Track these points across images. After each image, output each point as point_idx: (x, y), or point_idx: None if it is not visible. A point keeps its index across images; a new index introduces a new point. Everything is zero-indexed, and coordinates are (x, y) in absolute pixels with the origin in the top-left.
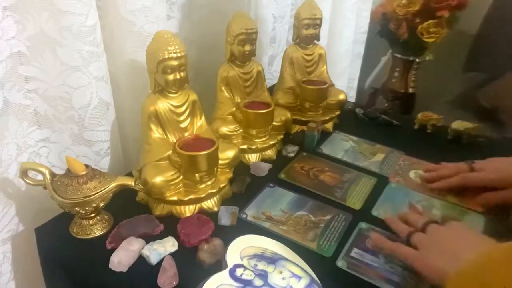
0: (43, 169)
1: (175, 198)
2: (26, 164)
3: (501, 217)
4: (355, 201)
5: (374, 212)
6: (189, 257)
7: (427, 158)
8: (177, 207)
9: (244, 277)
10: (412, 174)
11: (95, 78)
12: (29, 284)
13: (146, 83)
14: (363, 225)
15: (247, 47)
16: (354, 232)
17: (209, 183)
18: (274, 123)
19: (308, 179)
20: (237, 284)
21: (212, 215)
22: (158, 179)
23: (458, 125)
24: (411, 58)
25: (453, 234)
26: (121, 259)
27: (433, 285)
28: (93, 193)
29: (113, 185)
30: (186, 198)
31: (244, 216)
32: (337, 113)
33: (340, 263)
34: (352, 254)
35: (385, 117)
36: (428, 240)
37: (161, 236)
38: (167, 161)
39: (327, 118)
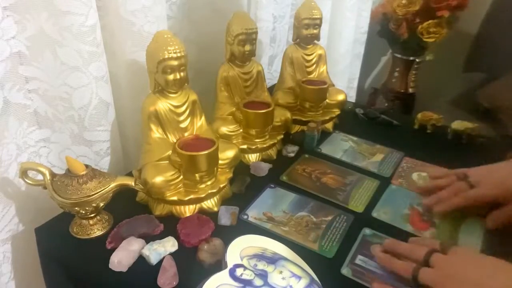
0: (43, 169)
1: (175, 198)
2: (26, 164)
3: None
4: (358, 204)
5: (375, 213)
6: (189, 257)
7: (427, 158)
8: (177, 207)
9: (244, 277)
10: (415, 176)
11: (95, 78)
12: (29, 284)
13: (146, 83)
14: (367, 231)
15: (247, 47)
16: (358, 238)
17: (209, 183)
18: (274, 123)
19: (310, 182)
20: (237, 284)
21: (212, 215)
22: (158, 179)
23: (458, 125)
24: (411, 58)
25: (465, 262)
26: (121, 259)
27: None
28: (93, 193)
29: (113, 185)
30: (186, 198)
31: (245, 217)
32: (337, 113)
33: (345, 270)
34: (357, 261)
35: (385, 117)
36: (440, 275)
37: (161, 236)
38: (167, 161)
39: (327, 118)
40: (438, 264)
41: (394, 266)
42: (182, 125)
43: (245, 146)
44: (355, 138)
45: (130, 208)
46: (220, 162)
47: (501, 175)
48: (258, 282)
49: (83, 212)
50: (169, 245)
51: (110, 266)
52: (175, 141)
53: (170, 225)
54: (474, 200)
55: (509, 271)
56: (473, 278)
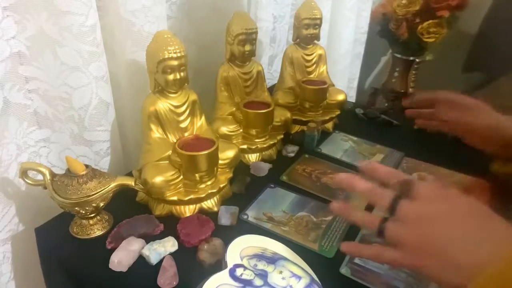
0: (43, 169)
1: (175, 198)
2: (26, 164)
3: (501, 209)
4: (358, 203)
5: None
6: (189, 257)
7: (427, 158)
8: (177, 207)
9: (244, 277)
10: (415, 176)
11: (95, 78)
12: (29, 284)
13: (146, 83)
14: (365, 230)
15: (247, 47)
16: (357, 238)
17: (209, 183)
18: (274, 123)
19: (311, 182)
20: (237, 284)
21: (212, 215)
22: (158, 179)
23: None
24: (411, 58)
25: (436, 219)
26: (121, 259)
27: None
28: (93, 193)
29: (113, 185)
30: (186, 198)
31: (245, 217)
32: (337, 113)
33: (344, 270)
34: (356, 260)
35: (385, 117)
36: (407, 234)
37: (161, 236)
38: (167, 161)
39: (327, 118)
40: (405, 217)
41: (354, 218)
42: (182, 125)
43: (245, 146)
44: (355, 138)
45: (130, 208)
46: (220, 162)
47: (438, 243)
48: (258, 282)
49: (83, 212)
50: (169, 245)
51: (110, 266)
52: (175, 141)
53: (170, 225)
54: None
55: (480, 232)
56: (441, 242)
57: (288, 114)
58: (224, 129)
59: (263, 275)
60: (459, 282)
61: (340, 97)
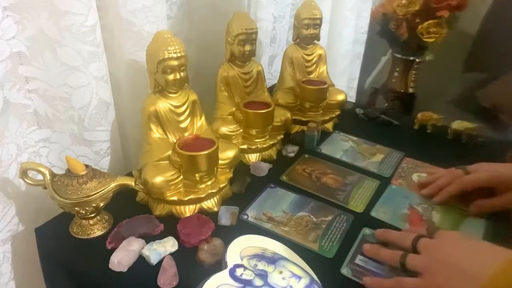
0: (43, 169)
1: (175, 198)
2: (26, 164)
3: (502, 220)
4: (358, 204)
5: (373, 213)
6: (189, 257)
7: (427, 158)
8: (177, 207)
9: (244, 277)
10: (415, 177)
11: (95, 78)
12: (29, 284)
13: (146, 83)
14: (367, 231)
15: (247, 47)
16: (358, 238)
17: (209, 183)
18: (274, 123)
19: (310, 182)
20: (237, 284)
21: (212, 215)
22: (158, 179)
23: (458, 125)
24: (411, 58)
25: (450, 246)
26: (121, 259)
27: None
28: (93, 193)
29: (113, 185)
30: (186, 198)
31: (245, 217)
32: (337, 113)
33: (345, 270)
34: (357, 261)
35: (385, 117)
36: (426, 260)
37: (161, 236)
38: (167, 161)
39: (327, 118)
40: (424, 249)
41: (382, 256)
42: (182, 125)
43: (245, 146)
44: (355, 138)
45: (130, 208)
46: (220, 162)
47: (496, 164)
48: (258, 282)
49: (83, 212)
50: (169, 245)
51: (110, 266)
52: (175, 141)
53: (170, 225)
54: (469, 185)
55: (485, 251)
56: (454, 261)
57: (288, 114)
58: (224, 129)
59: (263, 275)
60: None
61: (340, 97)
